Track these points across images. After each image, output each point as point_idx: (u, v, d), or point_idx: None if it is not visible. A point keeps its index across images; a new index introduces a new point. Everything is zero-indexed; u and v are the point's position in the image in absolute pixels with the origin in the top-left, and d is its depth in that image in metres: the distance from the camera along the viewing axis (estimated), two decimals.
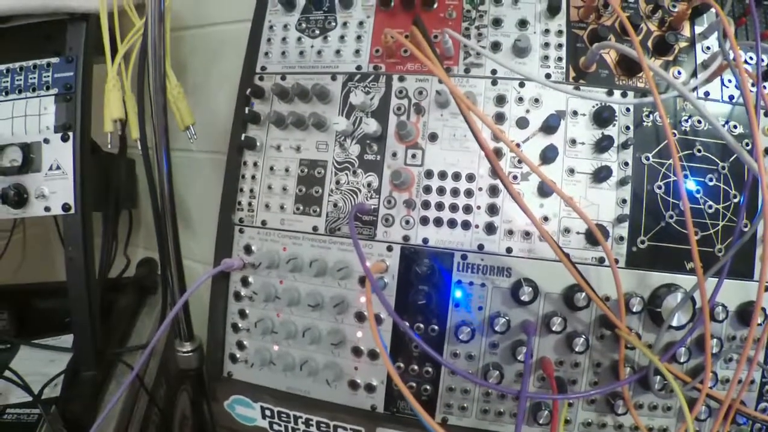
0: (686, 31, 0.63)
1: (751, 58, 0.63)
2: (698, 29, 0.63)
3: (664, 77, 0.51)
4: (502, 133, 0.56)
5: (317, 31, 0.66)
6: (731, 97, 0.62)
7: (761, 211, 0.57)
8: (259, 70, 0.67)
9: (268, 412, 0.64)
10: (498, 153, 0.59)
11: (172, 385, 0.89)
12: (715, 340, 0.57)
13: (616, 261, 0.58)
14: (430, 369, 0.60)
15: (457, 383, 0.60)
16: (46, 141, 0.76)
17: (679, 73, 0.62)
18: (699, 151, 0.60)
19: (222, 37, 0.93)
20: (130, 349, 0.82)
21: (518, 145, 0.59)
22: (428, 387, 0.60)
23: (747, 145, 0.60)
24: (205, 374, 0.70)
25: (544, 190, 0.58)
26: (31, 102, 0.78)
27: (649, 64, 0.51)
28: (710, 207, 0.59)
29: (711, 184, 0.60)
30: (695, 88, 0.61)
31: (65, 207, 0.76)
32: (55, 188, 0.76)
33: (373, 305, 0.55)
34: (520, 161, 0.59)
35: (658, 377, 0.56)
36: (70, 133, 0.76)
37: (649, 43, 0.62)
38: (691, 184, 0.59)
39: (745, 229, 0.58)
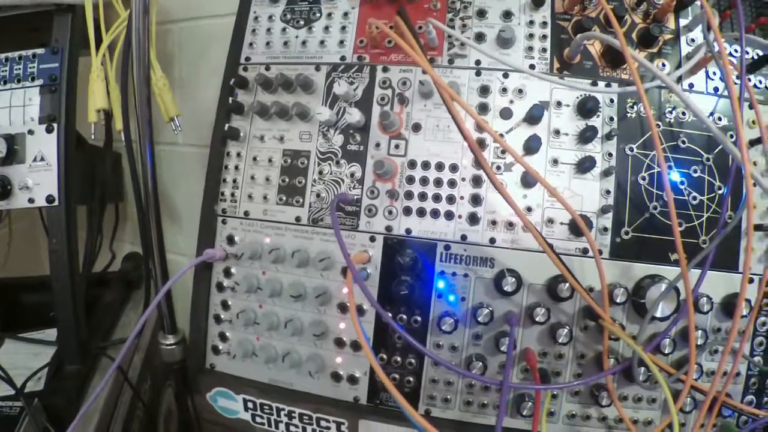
0: (671, 24, 0.63)
1: (735, 51, 0.63)
2: (683, 22, 0.63)
3: (648, 67, 0.50)
4: (485, 123, 0.56)
5: (302, 22, 0.66)
6: (716, 89, 0.62)
7: (744, 201, 0.57)
8: (244, 61, 0.67)
9: (250, 405, 0.63)
10: (481, 143, 0.59)
11: (157, 380, 0.88)
12: (699, 331, 0.57)
13: (600, 252, 0.57)
14: (413, 360, 0.59)
15: (440, 375, 0.59)
16: (31, 132, 0.75)
17: (664, 65, 0.61)
18: (683, 142, 0.60)
19: (210, 31, 0.92)
20: (115, 342, 0.81)
21: (501, 136, 0.59)
22: (411, 379, 0.59)
23: (731, 137, 0.60)
24: (188, 366, 0.69)
25: (528, 180, 0.58)
26: (15, 93, 0.77)
27: (633, 55, 0.51)
28: (694, 198, 0.59)
29: (695, 175, 0.59)
30: (679, 79, 0.61)
31: (49, 199, 0.75)
32: (39, 180, 0.75)
33: (355, 296, 0.55)
34: (503, 152, 0.59)
35: (643, 369, 0.56)
36: (55, 125, 0.75)
37: (634, 35, 0.62)
38: (675, 176, 0.59)
39: (729, 221, 0.58)
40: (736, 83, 0.60)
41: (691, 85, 0.61)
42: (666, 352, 0.56)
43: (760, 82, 0.63)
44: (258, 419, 0.64)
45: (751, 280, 0.59)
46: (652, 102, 0.60)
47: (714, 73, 0.62)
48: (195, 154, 0.94)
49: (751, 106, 0.61)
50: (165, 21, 0.95)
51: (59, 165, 0.75)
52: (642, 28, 0.62)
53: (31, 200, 0.74)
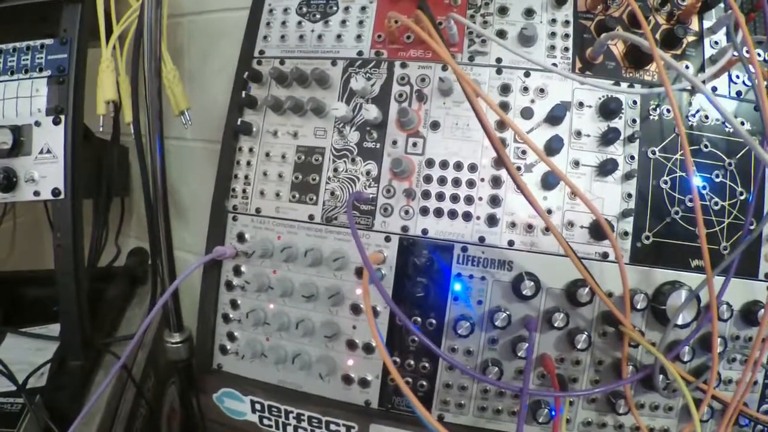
0: (694, 25, 0.61)
1: (759, 54, 0.61)
2: (706, 24, 0.61)
3: (677, 68, 0.48)
4: (509, 119, 0.53)
5: (318, 16, 0.64)
6: (738, 93, 0.60)
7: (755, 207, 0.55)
8: (257, 54, 0.65)
9: (258, 406, 0.61)
10: (501, 143, 0.57)
11: (161, 378, 0.86)
12: (719, 339, 0.55)
13: (621, 256, 0.55)
14: (426, 364, 0.57)
15: (454, 379, 0.57)
16: (38, 124, 0.73)
17: (687, 67, 0.59)
18: (705, 146, 0.58)
19: (221, 25, 0.90)
20: (119, 339, 0.79)
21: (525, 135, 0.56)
22: (424, 383, 0.57)
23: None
24: (194, 366, 0.67)
25: (548, 182, 0.56)
26: (23, 84, 0.74)
27: (662, 55, 0.49)
28: (716, 204, 0.57)
29: (717, 180, 0.57)
30: (705, 81, 0.59)
31: (55, 192, 0.72)
32: (45, 172, 0.72)
33: (370, 297, 0.53)
34: (523, 152, 0.57)
35: (662, 377, 0.54)
36: (62, 117, 0.73)
37: (657, 36, 0.60)
38: (697, 180, 0.57)
39: (752, 227, 0.57)
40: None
41: (714, 89, 0.59)
42: (685, 360, 0.54)
43: None
44: (265, 421, 0.62)
45: None
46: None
47: (737, 77, 0.60)
48: (203, 150, 0.92)
49: None
50: (175, 14, 0.92)
51: (66, 158, 0.73)
52: (666, 29, 0.60)
53: (36, 193, 0.72)
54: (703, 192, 0.57)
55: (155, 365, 0.86)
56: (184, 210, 0.96)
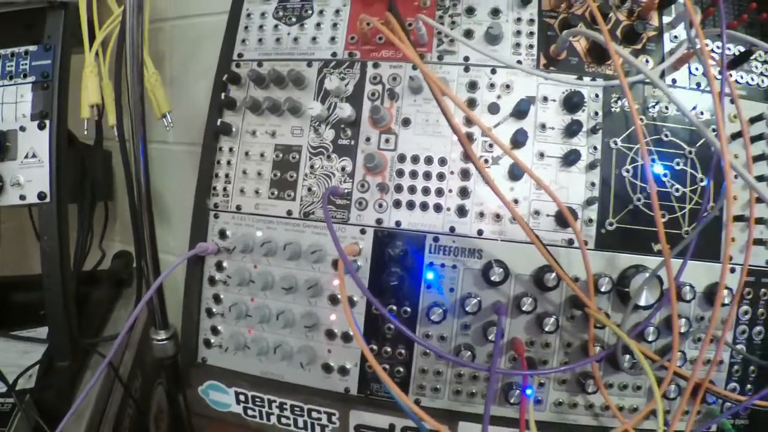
0: (654, 21, 0.67)
1: (718, 47, 0.67)
2: (666, 19, 0.67)
3: (631, 62, 0.53)
4: (474, 116, 0.59)
5: (294, 19, 0.69)
6: (698, 85, 0.66)
7: (724, 191, 0.61)
8: (236, 57, 0.70)
9: (242, 397, 0.66)
10: (469, 137, 0.62)
11: (148, 378, 0.91)
12: (683, 320, 0.60)
13: (585, 243, 0.61)
14: (402, 351, 0.62)
15: (429, 365, 0.62)
16: (23, 129, 0.78)
17: (647, 61, 0.65)
18: (666, 136, 0.63)
19: (202, 30, 0.95)
20: (105, 339, 0.84)
21: (489, 130, 0.62)
22: (401, 369, 0.62)
23: (713, 131, 0.64)
24: (180, 360, 0.71)
25: (515, 173, 0.61)
26: (7, 90, 0.80)
27: (617, 49, 0.54)
28: (677, 190, 0.62)
29: (678, 168, 0.63)
30: (662, 74, 0.65)
31: (41, 195, 0.77)
32: (30, 176, 0.77)
33: (346, 288, 0.58)
34: (491, 145, 0.62)
35: (628, 356, 0.59)
36: (47, 121, 0.78)
37: (618, 32, 0.66)
38: (658, 168, 0.63)
39: (709, 211, 0.62)
40: (717, 78, 0.64)
41: (674, 81, 0.65)
42: (650, 339, 0.60)
43: (742, 77, 0.67)
44: (250, 412, 0.67)
45: (733, 270, 0.63)
46: (637, 97, 0.64)
47: (696, 69, 0.66)
48: (185, 153, 0.97)
49: (732, 101, 0.65)
50: (157, 19, 0.98)
51: (51, 162, 0.78)
52: (626, 25, 0.66)
53: (22, 197, 0.77)
54: (664, 179, 0.63)
55: (142, 365, 0.90)
56: (167, 213, 1.01)
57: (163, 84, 0.94)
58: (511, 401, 0.59)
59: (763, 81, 0.67)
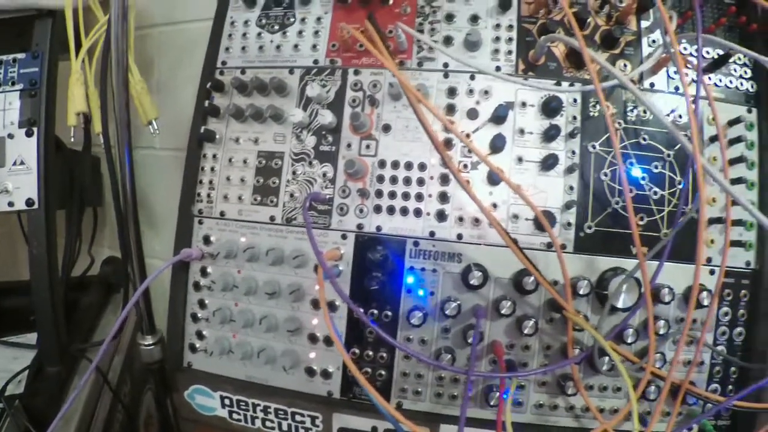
0: (633, 26, 0.68)
1: (696, 50, 0.69)
2: (644, 23, 0.69)
3: (605, 67, 0.55)
4: (450, 124, 0.61)
5: (276, 27, 0.71)
6: (676, 89, 0.67)
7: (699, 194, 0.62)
8: (220, 65, 0.72)
9: (227, 401, 0.68)
10: (449, 143, 0.64)
11: (137, 383, 0.92)
12: (662, 321, 0.62)
13: (564, 246, 0.63)
14: (384, 354, 0.64)
15: (411, 368, 0.64)
16: (11, 136, 0.80)
17: (626, 66, 0.67)
18: (644, 139, 0.65)
19: (190, 36, 0.97)
20: (94, 344, 0.86)
21: (468, 136, 0.64)
22: (383, 372, 0.64)
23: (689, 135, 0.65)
24: (166, 365, 0.73)
25: (493, 178, 0.63)
26: None
27: (592, 55, 0.56)
28: (656, 193, 0.64)
29: (656, 171, 0.65)
30: (641, 78, 0.66)
31: (29, 202, 0.79)
32: (18, 183, 0.79)
33: (328, 293, 0.59)
34: (469, 151, 0.64)
35: (607, 358, 0.61)
36: (35, 129, 0.80)
37: (597, 37, 0.67)
38: (637, 171, 0.64)
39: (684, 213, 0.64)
40: (695, 82, 0.66)
41: (652, 85, 0.67)
42: (629, 341, 0.61)
43: (720, 80, 0.68)
44: (235, 416, 0.68)
45: (712, 272, 0.64)
46: (616, 101, 0.66)
47: (675, 73, 0.68)
48: (173, 159, 0.99)
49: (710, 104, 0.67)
50: (145, 26, 1.00)
51: (39, 168, 0.80)
52: (605, 30, 0.67)
53: (11, 204, 0.79)
54: (643, 183, 0.64)
55: (132, 371, 0.92)
56: (155, 219, 1.03)
57: (151, 90, 0.96)
58: (491, 403, 0.60)
59: (741, 84, 0.69)
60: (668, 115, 0.66)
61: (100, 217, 1.03)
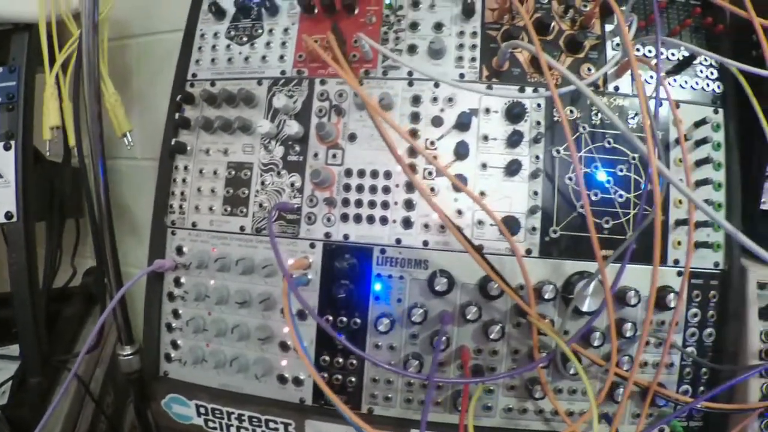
0: (597, 29, 0.70)
1: (661, 53, 0.71)
2: (608, 27, 0.70)
3: (562, 71, 0.56)
4: (413, 140, 0.62)
5: (245, 38, 0.73)
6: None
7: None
8: (191, 77, 0.75)
9: (202, 410, 0.70)
10: (413, 152, 0.66)
11: (120, 394, 0.95)
12: (629, 324, 0.63)
13: (530, 251, 0.65)
14: (354, 361, 0.66)
15: (380, 374, 0.66)
16: None
17: (590, 70, 0.69)
18: (609, 143, 0.67)
19: (167, 46, 1.00)
20: (75, 355, 0.88)
21: (433, 143, 0.66)
22: (353, 379, 0.66)
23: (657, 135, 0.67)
24: (143, 374, 0.76)
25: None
26: None
27: (549, 60, 0.58)
28: (621, 196, 0.66)
29: (621, 174, 0.66)
30: (605, 82, 0.68)
31: (8, 215, 0.82)
32: None
33: (304, 300, 0.61)
34: (435, 158, 0.66)
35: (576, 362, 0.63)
36: (13, 142, 0.83)
37: (561, 42, 0.69)
38: (602, 175, 0.66)
39: (646, 214, 0.66)
40: (652, 83, 0.68)
41: (617, 88, 0.69)
42: (596, 344, 0.63)
43: (686, 82, 0.70)
44: (210, 424, 0.71)
45: (680, 273, 0.66)
46: (580, 106, 0.68)
47: (640, 75, 0.69)
48: (153, 168, 1.00)
49: (678, 105, 0.69)
50: (122, 36, 1.03)
51: (17, 182, 0.83)
52: (569, 34, 0.69)
53: None
54: (608, 186, 0.66)
55: (114, 381, 0.95)
56: (136, 227, 1.06)
57: (131, 100, 0.99)
58: (459, 408, 0.62)
59: (708, 85, 0.70)
60: (633, 118, 0.68)
61: (82, 228, 1.05)
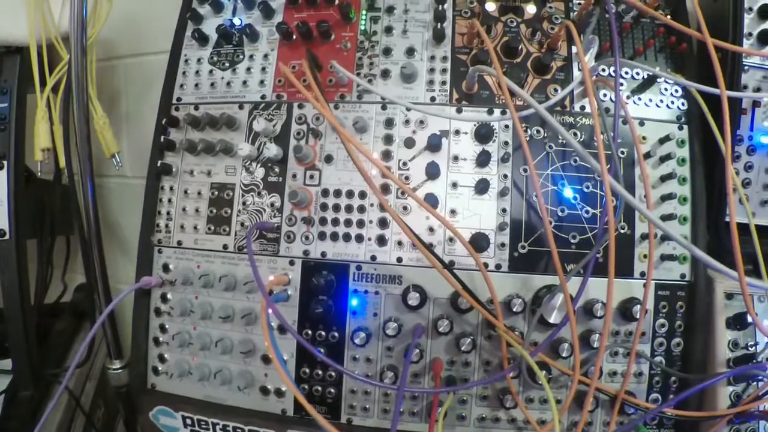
0: (564, 51, 0.77)
1: (626, 73, 0.77)
2: (575, 49, 0.77)
3: (521, 94, 0.62)
4: (383, 167, 0.67)
5: (227, 64, 0.80)
6: (607, 110, 0.75)
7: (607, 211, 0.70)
8: (175, 101, 0.81)
9: (189, 421, 0.76)
10: (388, 170, 0.72)
11: (111, 408, 1.01)
12: (596, 335, 0.69)
13: (499, 266, 0.71)
14: (333, 373, 0.72)
15: (358, 385, 0.72)
16: None
17: (556, 90, 0.75)
18: (575, 161, 0.73)
19: (156, 67, 1.06)
20: (66, 369, 0.94)
21: (405, 164, 0.72)
22: (332, 390, 0.72)
23: (623, 153, 0.73)
24: (131, 388, 0.82)
25: (431, 202, 0.71)
26: None
27: (508, 84, 0.62)
28: (587, 212, 0.72)
29: (588, 191, 0.73)
30: (572, 102, 0.74)
31: (0, 233, 0.89)
32: None
33: (281, 314, 0.68)
34: (407, 178, 0.72)
35: (544, 372, 0.68)
36: (5, 162, 0.90)
37: (529, 64, 0.76)
38: (568, 192, 0.72)
39: (622, 231, 0.72)
40: (627, 103, 0.74)
41: (582, 108, 0.75)
42: (564, 355, 0.69)
43: (651, 100, 0.76)
44: None
45: (649, 285, 0.72)
46: (549, 126, 0.73)
47: (605, 95, 0.76)
48: (143, 186, 1.08)
49: (642, 123, 0.75)
50: (111, 57, 1.10)
51: (9, 201, 0.89)
52: (536, 56, 0.76)
53: None
54: (574, 202, 0.72)
55: (105, 396, 1.01)
56: (126, 244, 1.12)
57: (120, 120, 1.06)
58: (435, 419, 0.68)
59: (672, 102, 0.76)
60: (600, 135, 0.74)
61: (73, 245, 1.12)
